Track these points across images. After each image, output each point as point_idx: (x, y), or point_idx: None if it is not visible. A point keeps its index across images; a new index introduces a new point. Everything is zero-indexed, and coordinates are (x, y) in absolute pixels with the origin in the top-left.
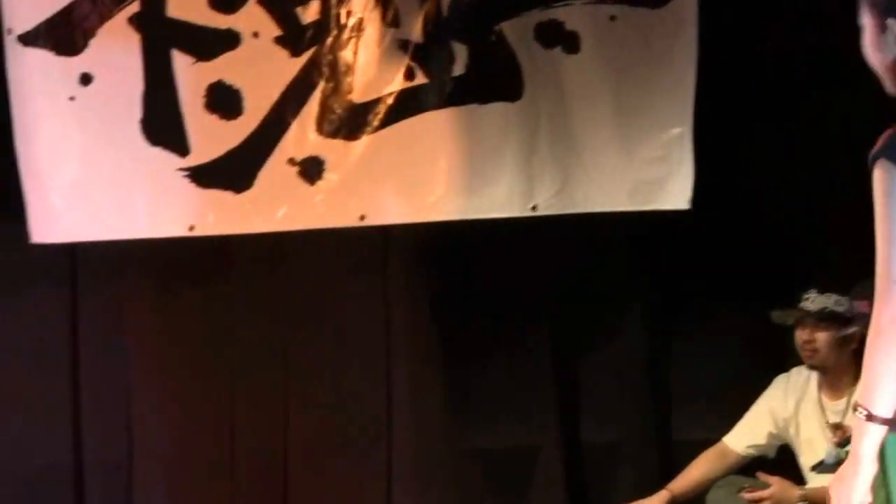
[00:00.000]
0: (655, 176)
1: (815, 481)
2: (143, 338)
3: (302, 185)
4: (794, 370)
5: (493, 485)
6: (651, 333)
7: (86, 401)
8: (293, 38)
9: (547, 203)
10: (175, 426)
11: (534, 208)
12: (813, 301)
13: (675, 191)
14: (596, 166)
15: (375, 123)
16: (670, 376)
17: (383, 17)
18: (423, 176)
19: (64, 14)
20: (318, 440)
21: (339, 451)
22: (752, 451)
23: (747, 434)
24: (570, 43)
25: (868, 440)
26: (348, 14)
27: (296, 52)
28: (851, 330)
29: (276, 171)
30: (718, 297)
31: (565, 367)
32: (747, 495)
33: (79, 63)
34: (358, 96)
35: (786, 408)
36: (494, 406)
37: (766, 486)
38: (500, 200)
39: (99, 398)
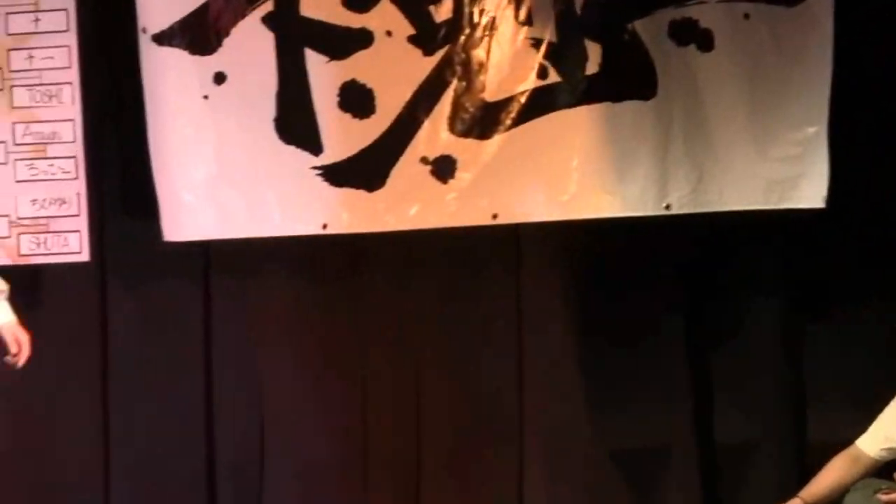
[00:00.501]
0: (790, 174)
1: None
2: (275, 336)
3: (434, 184)
4: None
5: (626, 484)
6: (786, 332)
7: (218, 400)
8: (426, 36)
9: (681, 202)
10: (307, 426)
11: (667, 207)
12: None
13: (810, 189)
14: (730, 165)
15: (508, 122)
16: (805, 376)
17: (516, 15)
18: (555, 174)
19: (198, 13)
20: (450, 439)
21: (471, 451)
22: (885, 455)
23: (881, 437)
24: (704, 41)
25: None
26: (481, 13)
27: (429, 51)
28: None
29: (409, 169)
30: (854, 297)
31: (700, 367)
32: (884, 497)
33: (212, 62)
34: (490, 95)
35: None
36: (628, 405)
37: None
38: (634, 199)
39: (232, 397)
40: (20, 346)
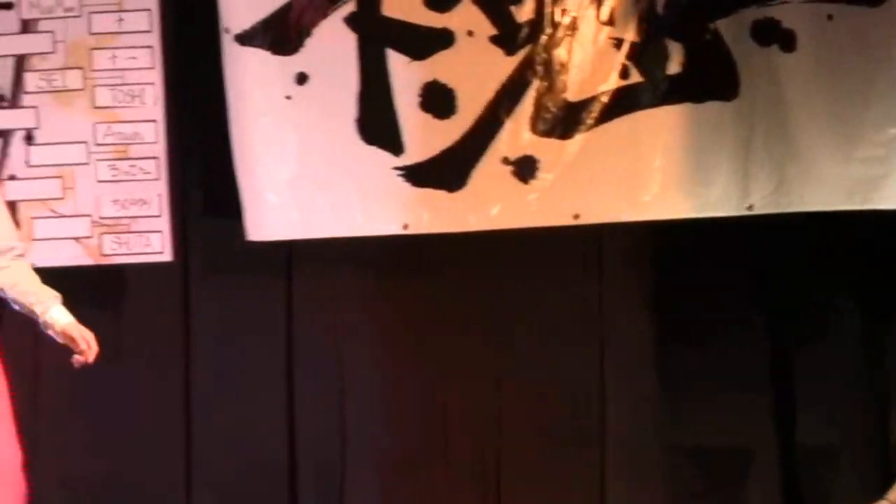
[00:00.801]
0: (873, 175)
1: None
2: (357, 334)
3: (516, 184)
4: None
5: (707, 484)
6: (868, 333)
7: (300, 397)
8: (508, 36)
9: (763, 202)
10: (387, 422)
11: (749, 207)
12: None
13: (893, 191)
14: (812, 165)
15: (590, 122)
16: (888, 377)
17: (598, 15)
18: (637, 175)
19: (280, 14)
20: (530, 435)
21: (552, 448)
22: None
23: None
24: (787, 41)
25: None
26: (563, 13)
27: (510, 51)
28: None
29: (490, 170)
30: None
31: (782, 367)
32: None
33: (295, 62)
34: (572, 95)
35: None
36: (709, 406)
37: None
38: (716, 199)
39: (313, 395)
40: (88, 343)
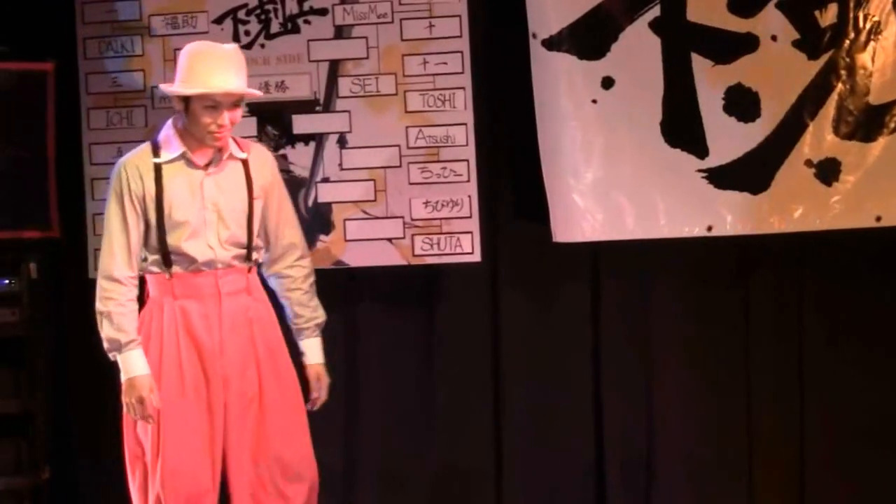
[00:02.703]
0: None
1: None
2: (662, 336)
3: (818, 187)
4: None
5: None
6: None
7: (607, 395)
8: (811, 41)
9: None
10: (694, 423)
11: None
12: None
13: None
14: None
15: (892, 125)
16: None
17: None
18: None
19: (587, 19)
20: (836, 440)
21: (856, 453)
22: None
23: None
24: None
25: None
26: (866, 17)
27: (813, 55)
28: None
29: (793, 172)
30: None
31: None
32: None
33: (601, 67)
34: (875, 98)
35: None
36: None
37: None
38: None
39: (619, 396)
40: (319, 390)
